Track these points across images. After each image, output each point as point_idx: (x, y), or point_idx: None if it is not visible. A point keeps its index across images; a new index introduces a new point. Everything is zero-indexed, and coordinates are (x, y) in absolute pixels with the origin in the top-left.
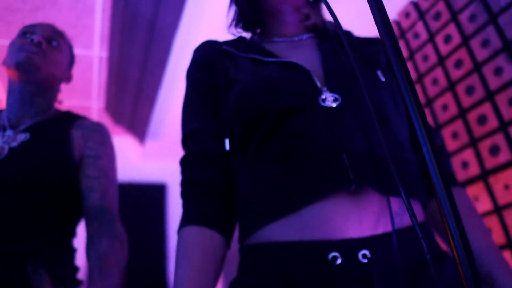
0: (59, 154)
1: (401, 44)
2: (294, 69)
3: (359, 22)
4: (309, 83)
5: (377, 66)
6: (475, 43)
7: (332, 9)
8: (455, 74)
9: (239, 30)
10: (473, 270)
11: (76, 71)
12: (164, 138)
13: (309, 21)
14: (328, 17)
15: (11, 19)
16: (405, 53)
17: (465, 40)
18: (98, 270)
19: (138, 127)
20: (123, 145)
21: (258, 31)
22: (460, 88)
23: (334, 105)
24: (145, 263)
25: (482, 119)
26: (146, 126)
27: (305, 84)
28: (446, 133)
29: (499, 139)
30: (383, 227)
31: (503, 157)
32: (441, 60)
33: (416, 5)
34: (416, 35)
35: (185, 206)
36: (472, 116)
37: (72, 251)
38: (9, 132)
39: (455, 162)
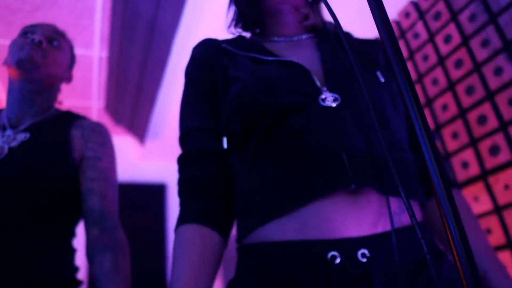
0: (59, 154)
1: (401, 44)
2: (294, 68)
3: (359, 22)
4: (309, 83)
5: (376, 67)
6: (475, 43)
7: (332, 9)
8: (455, 74)
9: (239, 30)
10: (473, 270)
11: (76, 71)
12: (164, 138)
13: (308, 21)
14: (327, 17)
15: (11, 19)
16: (405, 53)
17: (465, 40)
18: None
19: (138, 127)
20: (123, 145)
21: (258, 31)
22: (460, 88)
23: (333, 104)
24: (145, 263)
25: (482, 119)
26: (146, 126)
27: (305, 83)
28: (446, 133)
29: (499, 139)
30: (382, 227)
31: (503, 157)
32: (441, 60)
33: (416, 5)
34: (416, 35)
35: (182, 204)
36: (472, 116)
37: (72, 251)
38: (9, 132)
39: (455, 162)
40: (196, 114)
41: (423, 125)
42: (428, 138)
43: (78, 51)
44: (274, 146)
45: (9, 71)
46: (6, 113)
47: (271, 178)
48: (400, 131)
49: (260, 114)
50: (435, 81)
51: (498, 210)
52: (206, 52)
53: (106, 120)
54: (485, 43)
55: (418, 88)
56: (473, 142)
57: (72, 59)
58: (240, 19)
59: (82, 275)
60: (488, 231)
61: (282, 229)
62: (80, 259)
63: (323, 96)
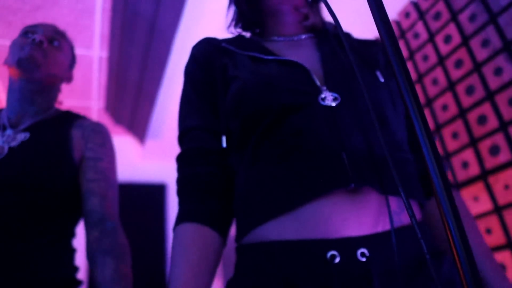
0: (59, 154)
1: (401, 44)
2: (293, 67)
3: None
4: (309, 82)
5: (376, 67)
6: (475, 43)
7: (332, 9)
8: (455, 74)
9: (239, 30)
10: (473, 270)
11: (76, 71)
12: (164, 138)
13: (308, 21)
14: (327, 17)
15: (11, 19)
16: (405, 53)
17: (465, 40)
18: None
19: (138, 127)
20: (123, 145)
21: (257, 31)
22: (460, 88)
23: (333, 104)
24: (145, 263)
25: (482, 119)
26: (146, 126)
27: (304, 82)
28: (446, 133)
29: (499, 139)
30: (382, 226)
31: (503, 157)
32: (441, 60)
33: (416, 5)
34: (416, 35)
35: (180, 203)
36: (472, 116)
37: (72, 251)
38: (9, 131)
39: (455, 162)
40: (195, 113)
41: (423, 125)
42: (428, 138)
43: (78, 51)
44: (273, 145)
45: (9, 70)
46: (6, 112)
47: (270, 177)
48: (400, 131)
49: (260, 113)
50: (435, 81)
51: (498, 210)
52: (206, 51)
53: (106, 120)
54: (485, 43)
55: (418, 88)
56: (473, 142)
57: (72, 59)
58: (240, 19)
59: (82, 275)
60: (488, 231)
61: (281, 229)
62: (80, 259)
63: (322, 96)
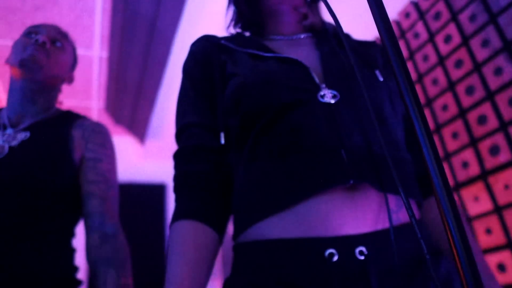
0: (59, 153)
1: (401, 44)
2: (293, 65)
3: (359, 22)
4: (308, 79)
5: (375, 66)
6: (475, 43)
7: (332, 8)
8: (455, 74)
9: (238, 30)
10: (473, 270)
11: (76, 71)
12: (164, 138)
13: (307, 20)
14: (327, 17)
15: (11, 19)
16: (405, 53)
17: (465, 40)
18: None
19: (138, 127)
20: (123, 145)
21: (257, 30)
22: (460, 88)
23: (332, 101)
24: (145, 263)
25: (482, 119)
26: (146, 126)
27: (304, 80)
28: (446, 133)
29: (499, 139)
30: (380, 224)
31: (503, 157)
32: (441, 60)
33: (416, 5)
34: (416, 35)
35: (177, 200)
36: (472, 116)
37: (72, 251)
38: (9, 131)
39: (455, 162)
40: (193, 110)
41: (423, 125)
42: (428, 138)
43: (78, 51)
44: (272, 142)
45: (11, 70)
46: (6, 112)
47: (268, 174)
48: (398, 131)
49: (259, 110)
50: (435, 81)
51: (498, 210)
52: (205, 48)
53: (106, 120)
54: (485, 43)
55: (418, 88)
56: (473, 142)
57: (74, 60)
58: (239, 19)
59: (82, 275)
60: (488, 231)
61: (279, 226)
62: (80, 259)
63: (322, 93)
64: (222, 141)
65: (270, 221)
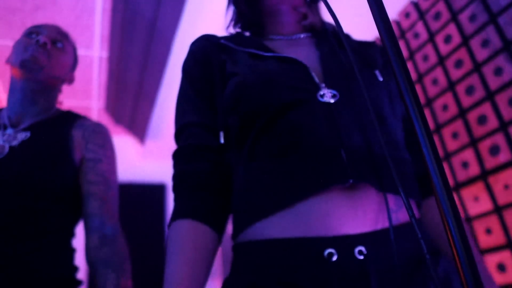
0: (60, 153)
1: (401, 44)
2: (292, 64)
3: (359, 22)
4: (308, 79)
5: (374, 66)
6: (475, 43)
7: (331, 8)
8: (455, 74)
9: (238, 30)
10: (473, 270)
11: (76, 71)
12: (164, 138)
13: (306, 20)
14: (327, 17)
15: (11, 19)
16: (405, 53)
17: (465, 40)
18: None
19: (138, 127)
20: (123, 145)
21: (256, 30)
22: (460, 88)
23: (332, 100)
24: (145, 263)
25: (482, 119)
26: (146, 126)
27: (303, 79)
28: (446, 133)
29: (499, 139)
30: (379, 224)
31: (503, 157)
32: (441, 60)
33: (416, 5)
34: (416, 35)
35: (176, 199)
36: (472, 116)
37: (72, 251)
38: (9, 131)
39: (455, 162)
40: (192, 110)
41: (423, 125)
42: (428, 138)
43: (78, 51)
44: (272, 141)
45: (12, 70)
46: (6, 112)
47: (268, 174)
48: (397, 131)
49: (258, 109)
50: (435, 81)
51: (498, 210)
52: (204, 48)
53: (106, 120)
54: (485, 43)
55: (418, 88)
56: (473, 142)
57: (74, 61)
58: (239, 19)
59: (82, 275)
60: (488, 231)
61: (278, 226)
62: (80, 259)
63: (321, 92)
64: (222, 140)
65: (269, 221)
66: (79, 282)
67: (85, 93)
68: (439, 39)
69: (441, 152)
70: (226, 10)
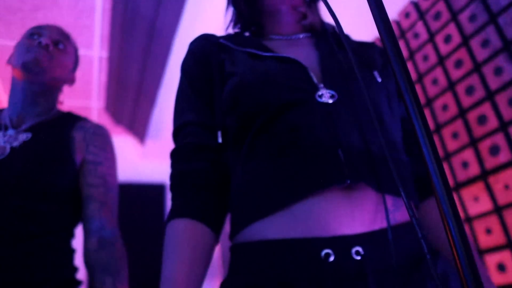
0: (60, 155)
1: (401, 44)
2: (291, 64)
3: (358, 22)
4: (306, 79)
5: (373, 67)
6: (475, 43)
7: (331, 8)
8: (455, 74)
9: (237, 30)
10: (473, 270)
11: (76, 71)
12: (164, 138)
13: (306, 20)
14: (327, 17)
15: (11, 19)
16: (405, 53)
17: (465, 40)
18: None
19: (138, 127)
20: (123, 145)
21: (256, 30)
22: (460, 88)
23: (330, 101)
24: (145, 263)
25: (482, 119)
26: (146, 126)
27: (302, 79)
28: (446, 133)
29: (499, 139)
30: (377, 224)
31: (503, 157)
32: (441, 60)
33: (416, 5)
34: (416, 35)
35: (174, 199)
36: (472, 116)
37: (71, 251)
38: (10, 132)
39: (455, 162)
40: (191, 109)
41: (423, 125)
42: (428, 138)
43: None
44: (270, 141)
45: (13, 71)
46: (7, 112)
47: (265, 174)
48: (395, 131)
49: (257, 109)
50: (435, 81)
51: (498, 210)
52: (203, 47)
53: (106, 120)
54: (485, 43)
55: (418, 88)
56: (473, 142)
57: (76, 62)
58: (238, 20)
59: (82, 275)
60: (488, 231)
61: (276, 226)
62: (80, 259)
63: (320, 93)
64: (220, 140)
65: (267, 221)
66: (79, 282)
67: (85, 93)
68: (439, 39)
69: (441, 152)
70: (225, 10)
